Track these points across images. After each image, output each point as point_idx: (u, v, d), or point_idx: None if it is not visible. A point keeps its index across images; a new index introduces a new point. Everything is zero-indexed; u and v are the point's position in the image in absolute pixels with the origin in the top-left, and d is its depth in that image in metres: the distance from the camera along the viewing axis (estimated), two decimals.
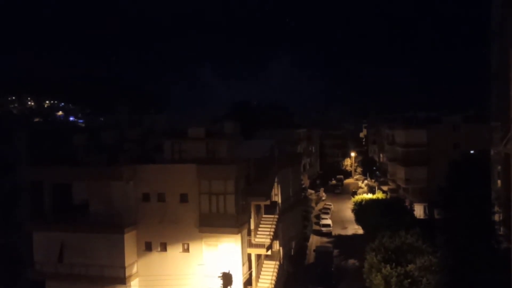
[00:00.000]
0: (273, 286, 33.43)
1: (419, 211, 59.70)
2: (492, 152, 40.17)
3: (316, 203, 72.37)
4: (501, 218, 35.25)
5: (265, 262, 35.36)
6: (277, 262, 35.40)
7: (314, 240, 52.88)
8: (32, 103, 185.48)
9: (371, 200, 54.00)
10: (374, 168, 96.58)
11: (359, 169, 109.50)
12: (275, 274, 34.18)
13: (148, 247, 32.42)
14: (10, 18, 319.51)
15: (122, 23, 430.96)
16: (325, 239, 53.23)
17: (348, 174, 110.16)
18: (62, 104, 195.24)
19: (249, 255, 33.05)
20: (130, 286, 31.44)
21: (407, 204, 57.36)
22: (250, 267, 33.04)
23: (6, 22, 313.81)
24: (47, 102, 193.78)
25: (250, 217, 33.47)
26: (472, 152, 53.59)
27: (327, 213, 63.79)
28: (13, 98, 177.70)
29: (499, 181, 37.77)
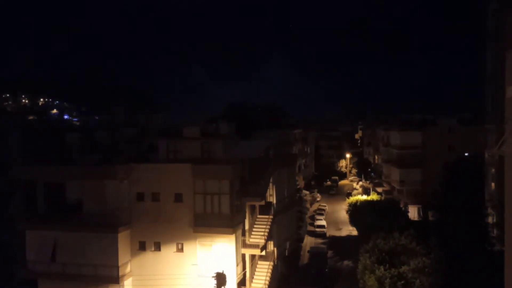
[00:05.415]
0: (267, 286, 33.44)
1: (413, 212, 59.86)
2: (486, 155, 40.39)
3: (311, 204, 72.46)
4: (494, 220, 35.41)
5: (259, 262, 35.34)
6: (271, 263, 35.39)
7: (309, 241, 52.92)
8: (27, 101, 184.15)
9: (365, 202, 54.14)
10: (369, 169, 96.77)
11: (354, 171, 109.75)
12: (269, 274, 34.17)
13: (142, 247, 32.28)
14: (5, 15, 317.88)
15: (119, 22, 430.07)
16: (319, 240, 53.33)
17: (343, 175, 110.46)
18: (57, 102, 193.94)
19: (243, 256, 33.00)
20: (123, 285, 31.30)
21: (401, 205, 57.57)
22: (244, 268, 32.97)
23: (2, 20, 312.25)
24: (41, 100, 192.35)
25: (244, 218, 33.42)
26: (466, 154, 53.80)
27: (322, 214, 63.88)
28: (8, 95, 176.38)
29: (493, 184, 37.98)
